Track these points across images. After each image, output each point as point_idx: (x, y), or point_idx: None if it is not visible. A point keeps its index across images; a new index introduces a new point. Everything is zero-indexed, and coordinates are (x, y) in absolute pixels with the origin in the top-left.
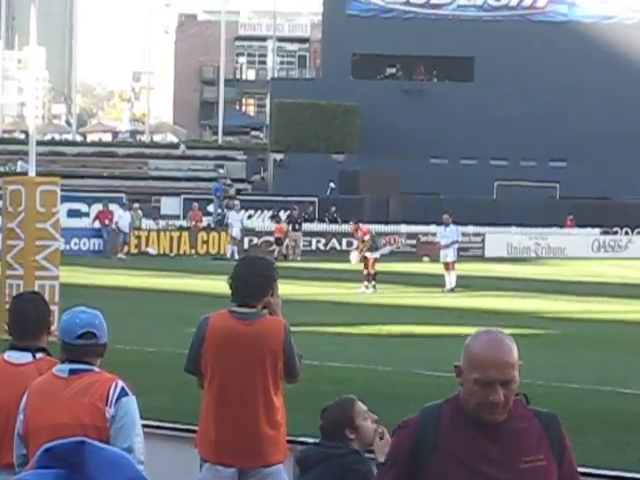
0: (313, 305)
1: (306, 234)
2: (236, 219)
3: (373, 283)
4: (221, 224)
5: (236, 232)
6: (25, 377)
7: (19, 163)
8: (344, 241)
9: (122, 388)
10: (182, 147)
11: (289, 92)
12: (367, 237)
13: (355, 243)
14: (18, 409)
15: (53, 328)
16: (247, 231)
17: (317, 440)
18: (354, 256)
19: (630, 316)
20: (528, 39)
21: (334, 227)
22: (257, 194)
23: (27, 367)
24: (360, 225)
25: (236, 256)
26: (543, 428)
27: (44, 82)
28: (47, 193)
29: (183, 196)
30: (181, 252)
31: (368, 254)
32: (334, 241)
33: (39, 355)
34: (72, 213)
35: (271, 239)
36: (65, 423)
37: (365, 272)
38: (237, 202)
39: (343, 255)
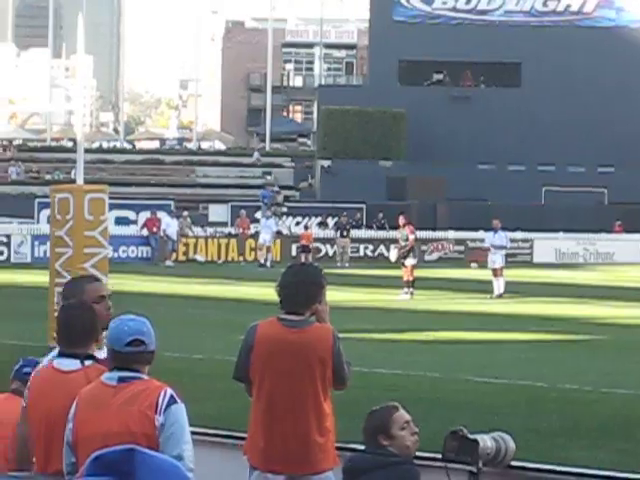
0: (361, 312)
1: (354, 241)
2: (265, 225)
3: (411, 290)
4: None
5: (264, 239)
6: (73, 384)
7: (73, 171)
8: (392, 247)
9: (171, 396)
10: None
11: (336, 99)
12: (412, 236)
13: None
14: (66, 416)
15: (101, 336)
16: (295, 238)
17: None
18: (393, 253)
19: None
20: (575, 44)
21: (382, 233)
22: (305, 201)
23: (75, 374)
24: (410, 224)
25: (268, 264)
26: None
27: (92, 90)
28: (95, 201)
29: (231, 203)
30: (229, 259)
31: (407, 261)
32: (382, 247)
33: (88, 362)
34: (120, 221)
35: (320, 246)
36: (115, 432)
37: (405, 279)
38: (270, 210)
39: (391, 262)
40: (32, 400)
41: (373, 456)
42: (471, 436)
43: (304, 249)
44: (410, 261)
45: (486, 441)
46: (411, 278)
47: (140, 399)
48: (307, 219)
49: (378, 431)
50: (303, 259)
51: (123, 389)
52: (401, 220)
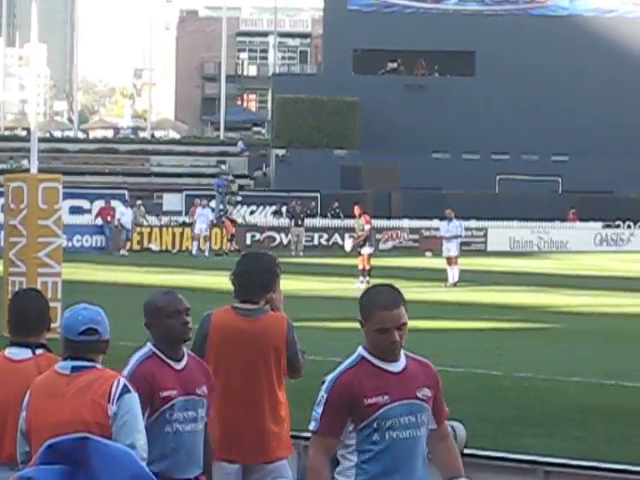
0: (315, 300)
1: (308, 229)
2: (201, 215)
3: (367, 279)
4: (223, 220)
5: (199, 228)
6: (24, 373)
7: (23, 162)
8: (346, 236)
9: (124, 385)
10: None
11: (290, 88)
12: (368, 226)
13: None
14: (18, 405)
15: (55, 325)
16: (249, 227)
17: None
18: (348, 243)
19: (633, 309)
20: (529, 33)
21: (336, 222)
22: (259, 190)
23: (26, 363)
24: (366, 214)
25: (207, 254)
26: None
27: (45, 79)
28: (49, 190)
29: (185, 192)
30: (183, 248)
31: (363, 250)
32: (336, 236)
33: (39, 351)
34: (74, 210)
35: (275, 235)
36: (67, 420)
37: (360, 267)
38: (205, 200)
39: (346, 251)
40: None
41: None
42: None
43: (231, 238)
44: (366, 250)
45: None
46: (367, 267)
47: (93, 388)
48: (261, 208)
49: None
50: (230, 247)
51: (76, 378)
52: (356, 210)
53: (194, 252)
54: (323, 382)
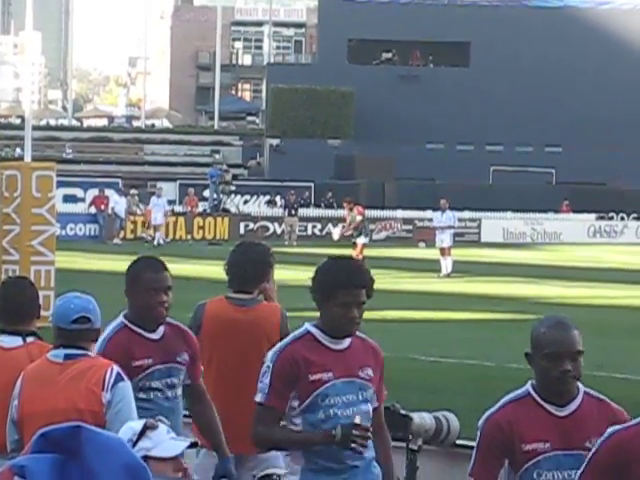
0: (309, 291)
1: (302, 219)
2: (156, 204)
3: None
4: (217, 209)
5: (154, 217)
6: (15, 361)
7: (17, 150)
8: (337, 225)
9: (118, 373)
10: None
11: (285, 77)
12: (360, 218)
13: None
14: (7, 393)
15: (46, 313)
16: (243, 216)
17: None
18: (337, 232)
19: (626, 301)
20: (524, 24)
21: (330, 212)
22: (253, 179)
23: (17, 351)
24: (358, 206)
25: (161, 242)
26: None
27: (40, 67)
28: (43, 178)
29: (179, 181)
30: (177, 237)
31: (358, 240)
32: (330, 226)
33: (30, 339)
34: (68, 198)
35: (268, 224)
36: (61, 408)
37: (355, 257)
38: (160, 189)
39: (339, 240)
40: None
41: None
42: (404, 412)
43: (149, 225)
44: (361, 239)
45: (425, 419)
46: (361, 256)
47: (87, 376)
48: (255, 198)
49: None
50: (149, 236)
51: (70, 366)
52: (346, 206)
53: (155, 242)
54: None
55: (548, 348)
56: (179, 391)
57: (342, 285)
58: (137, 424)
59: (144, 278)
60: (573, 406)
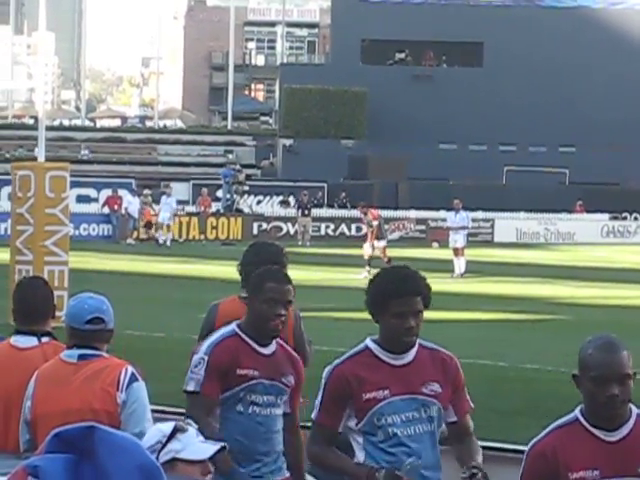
0: (323, 290)
1: (315, 219)
2: (165, 203)
3: (368, 269)
4: (230, 210)
5: (163, 217)
6: (30, 361)
7: (36, 150)
8: (353, 226)
9: (132, 373)
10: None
11: (298, 78)
12: (376, 222)
13: (364, 229)
14: (23, 394)
15: (59, 313)
16: (256, 217)
17: None
18: (367, 250)
19: (639, 301)
20: (537, 24)
21: (343, 212)
22: (266, 179)
23: (33, 351)
24: (370, 209)
25: (168, 243)
26: None
27: (53, 68)
28: (56, 178)
29: (192, 182)
30: (190, 237)
31: (378, 244)
32: (343, 226)
33: (45, 339)
34: (81, 198)
35: (281, 225)
36: (76, 408)
37: (385, 259)
38: (169, 189)
39: (352, 240)
40: None
41: None
42: None
43: (147, 225)
44: (382, 243)
45: None
46: (385, 258)
47: (102, 376)
48: (268, 198)
49: None
50: (146, 235)
51: (84, 366)
52: (361, 211)
53: (160, 241)
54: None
55: (595, 371)
56: (278, 411)
57: (394, 294)
58: (167, 426)
59: (265, 287)
60: (625, 430)
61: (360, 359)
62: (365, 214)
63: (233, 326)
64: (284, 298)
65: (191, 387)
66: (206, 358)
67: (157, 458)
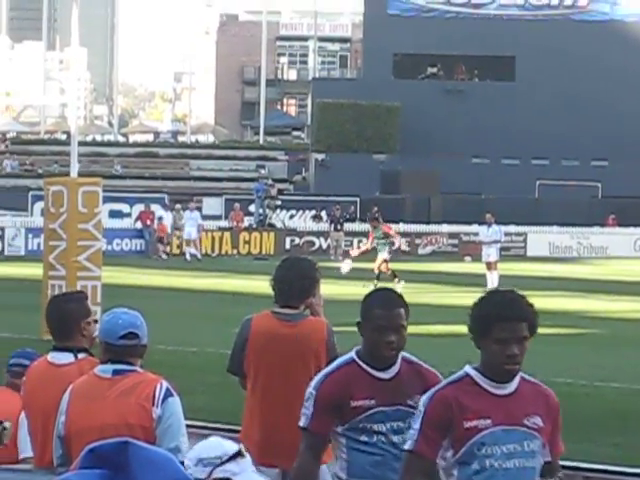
0: (355, 305)
1: (348, 234)
2: (190, 218)
3: (376, 282)
4: (263, 224)
5: (189, 233)
6: (67, 378)
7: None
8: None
9: (167, 388)
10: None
11: (330, 92)
12: (392, 232)
13: (395, 243)
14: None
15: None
16: (289, 231)
17: None
18: (382, 265)
19: None
20: (569, 38)
21: None
22: (299, 194)
23: (69, 368)
24: (385, 224)
25: (199, 256)
26: None
27: (86, 83)
28: (89, 194)
29: (225, 196)
30: (223, 252)
31: (380, 255)
32: (376, 241)
33: (81, 355)
34: (114, 214)
35: (314, 239)
36: (111, 423)
37: (388, 272)
38: (193, 203)
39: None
40: (28, 394)
41: None
42: None
43: (160, 240)
44: (384, 255)
45: None
46: (377, 270)
47: (137, 391)
48: (301, 212)
49: None
50: (161, 250)
51: (119, 381)
52: (372, 224)
53: (188, 257)
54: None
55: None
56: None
57: (497, 318)
58: (230, 445)
59: (373, 314)
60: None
61: (461, 386)
62: (375, 227)
63: (352, 353)
64: (394, 324)
65: (301, 423)
66: (314, 393)
67: (212, 472)
